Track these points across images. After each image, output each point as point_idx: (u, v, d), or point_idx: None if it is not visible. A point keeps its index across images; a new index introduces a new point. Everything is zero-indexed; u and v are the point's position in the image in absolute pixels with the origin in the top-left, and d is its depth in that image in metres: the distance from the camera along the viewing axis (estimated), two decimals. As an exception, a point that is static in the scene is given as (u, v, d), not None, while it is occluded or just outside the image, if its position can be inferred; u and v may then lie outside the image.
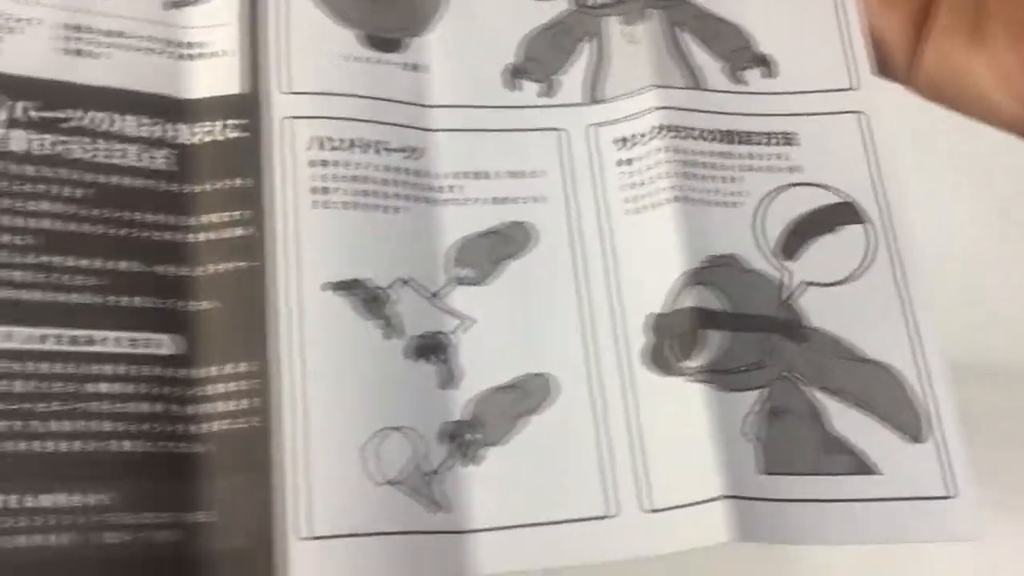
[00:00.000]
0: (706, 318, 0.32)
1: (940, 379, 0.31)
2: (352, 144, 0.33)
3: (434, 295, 0.33)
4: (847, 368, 0.32)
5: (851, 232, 0.33)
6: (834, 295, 0.32)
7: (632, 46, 0.36)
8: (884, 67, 0.36)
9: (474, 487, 0.31)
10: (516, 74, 0.36)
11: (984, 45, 0.33)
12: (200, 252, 0.32)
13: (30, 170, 0.31)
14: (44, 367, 0.29)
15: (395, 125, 0.34)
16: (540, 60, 0.36)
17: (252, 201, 0.32)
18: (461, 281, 0.33)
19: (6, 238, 0.30)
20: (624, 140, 0.35)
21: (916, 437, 0.31)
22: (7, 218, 0.30)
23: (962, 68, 0.34)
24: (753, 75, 0.36)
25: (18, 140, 0.32)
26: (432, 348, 0.32)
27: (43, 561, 0.27)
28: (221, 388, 0.31)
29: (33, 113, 0.32)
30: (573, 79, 0.36)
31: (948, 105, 0.35)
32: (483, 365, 0.32)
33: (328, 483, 0.29)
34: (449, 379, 0.32)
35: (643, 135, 0.34)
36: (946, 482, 0.30)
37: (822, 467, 0.30)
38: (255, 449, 0.30)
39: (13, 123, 0.32)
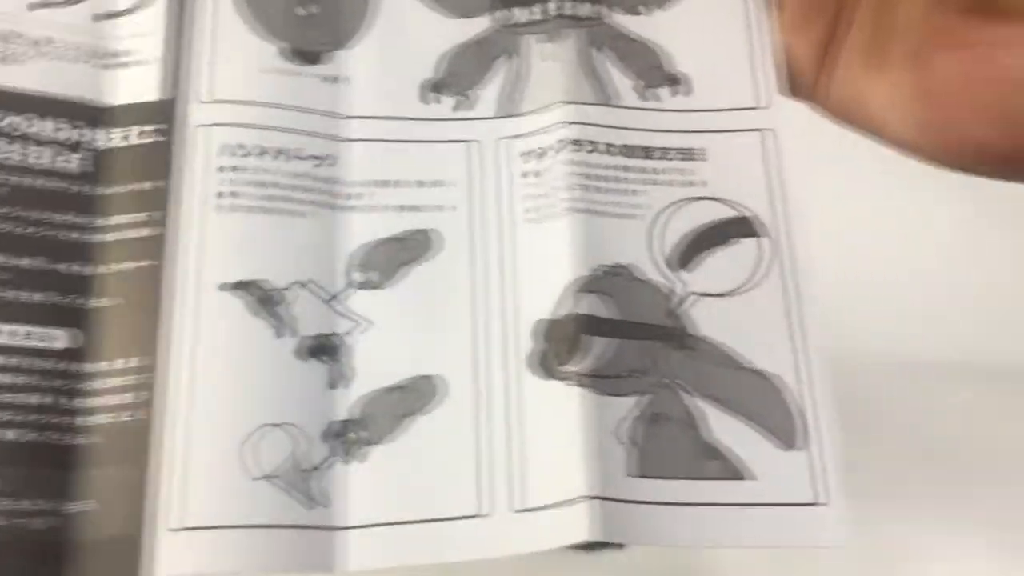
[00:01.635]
0: (591, 324, 0.32)
1: (820, 390, 0.31)
2: (263, 151, 0.34)
3: (333, 298, 0.33)
4: (729, 376, 0.32)
5: (747, 246, 0.33)
6: (724, 306, 0.33)
7: (548, 63, 0.37)
8: (794, 87, 0.36)
9: (354, 485, 0.31)
10: (434, 88, 0.37)
11: (884, 69, 0.33)
12: (106, 251, 0.33)
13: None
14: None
15: (306, 134, 0.35)
16: (459, 75, 0.37)
17: (161, 203, 0.33)
18: (362, 285, 0.34)
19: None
20: (532, 153, 0.35)
21: (791, 445, 0.31)
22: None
23: (864, 91, 0.34)
24: (665, 93, 0.36)
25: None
26: (323, 349, 0.33)
27: None
28: (111, 382, 0.31)
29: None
30: (489, 94, 0.37)
31: (853, 126, 0.35)
32: (376, 367, 0.33)
33: (203, 476, 0.30)
34: (339, 379, 0.32)
35: (550, 148, 0.35)
36: (817, 490, 0.30)
37: (695, 472, 0.30)
38: (137, 441, 0.30)
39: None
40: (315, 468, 0.31)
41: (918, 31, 0.32)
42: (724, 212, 0.34)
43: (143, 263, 0.33)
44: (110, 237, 0.33)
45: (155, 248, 0.33)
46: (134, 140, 0.35)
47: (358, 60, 0.37)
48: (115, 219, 0.34)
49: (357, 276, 0.34)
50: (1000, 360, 0.71)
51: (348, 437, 0.32)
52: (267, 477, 0.30)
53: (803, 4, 0.36)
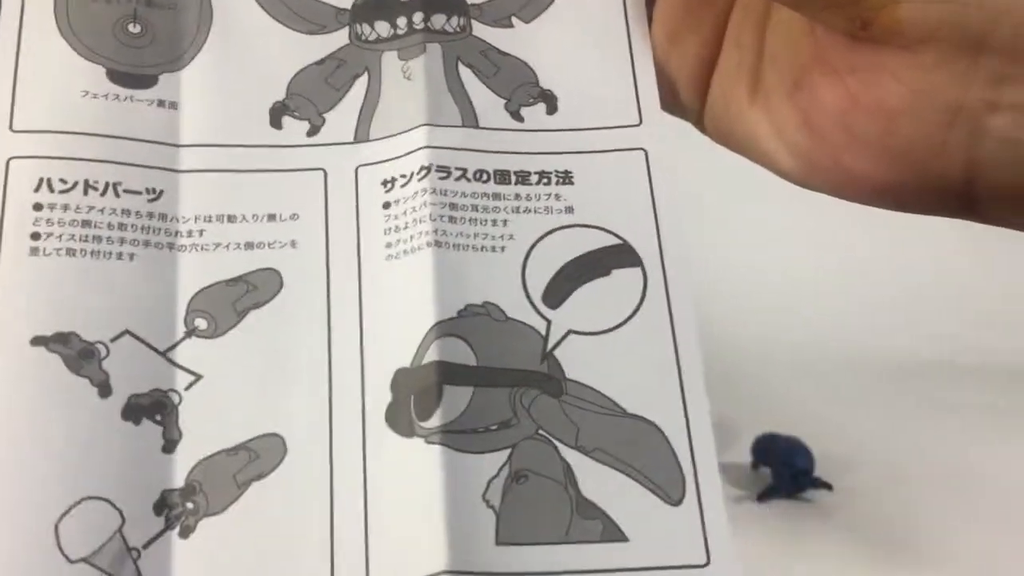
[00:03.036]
0: (449, 373, 0.29)
1: (703, 435, 0.28)
2: (84, 185, 0.31)
3: (169, 349, 0.30)
4: (606, 424, 0.29)
5: (624, 276, 0.31)
6: (600, 344, 0.30)
7: (407, 82, 0.34)
8: (676, 107, 0.34)
9: (184, 563, 0.27)
10: (280, 111, 0.33)
11: (761, 95, 0.32)
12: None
13: None
14: None
15: (136, 165, 0.31)
16: (308, 97, 0.34)
17: None
18: (199, 334, 0.30)
19: None
20: (390, 181, 0.32)
21: (676, 500, 0.28)
22: None
23: (743, 116, 0.32)
24: (535, 112, 0.34)
25: None
26: (155, 407, 0.29)
27: None
28: None
29: None
30: (345, 117, 0.34)
31: (734, 150, 0.33)
32: (213, 427, 0.29)
33: (9, 562, 0.26)
34: (174, 441, 0.29)
35: (408, 176, 0.32)
36: (699, 549, 0.27)
37: (571, 535, 0.27)
38: None
39: None
40: (146, 545, 0.27)
41: (798, 55, 0.30)
42: (595, 239, 0.31)
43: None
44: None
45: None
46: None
47: (194, 81, 0.33)
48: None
49: (196, 323, 0.30)
50: (871, 358, 0.72)
51: (184, 508, 0.28)
52: (88, 559, 0.27)
53: (675, 19, 0.34)
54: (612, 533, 0.28)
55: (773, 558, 0.58)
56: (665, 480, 0.28)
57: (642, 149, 0.32)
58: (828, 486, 0.66)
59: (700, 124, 0.34)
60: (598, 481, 0.28)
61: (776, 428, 0.67)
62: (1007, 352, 0.74)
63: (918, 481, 0.65)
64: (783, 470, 0.66)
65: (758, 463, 0.68)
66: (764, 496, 0.67)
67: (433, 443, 0.28)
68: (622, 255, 0.31)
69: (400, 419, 0.29)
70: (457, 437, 0.28)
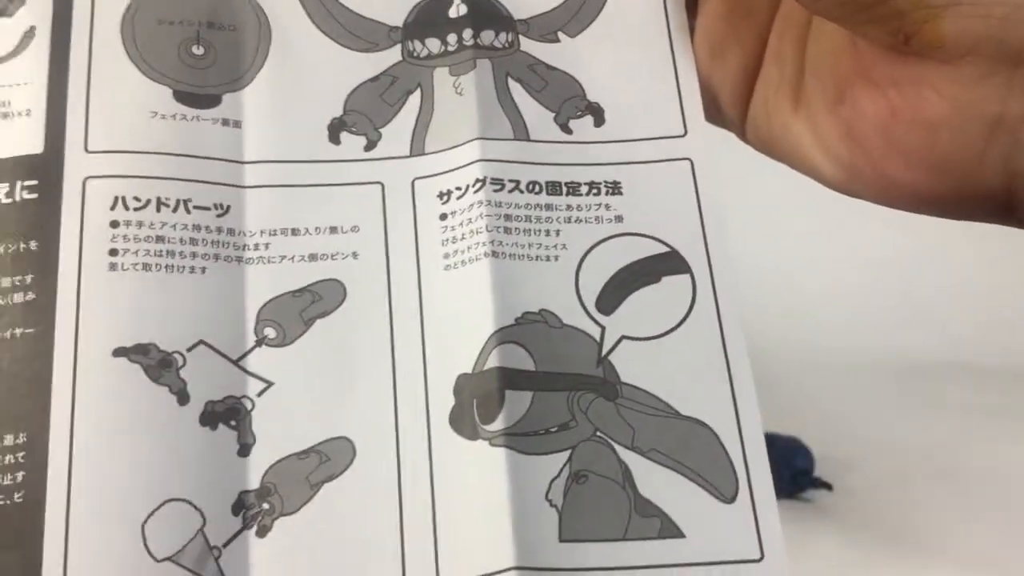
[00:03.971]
0: (510, 378, 0.30)
1: (755, 436, 0.30)
2: (157, 203, 0.32)
3: (241, 358, 0.31)
4: (661, 426, 0.30)
5: (674, 283, 0.32)
6: (653, 349, 0.31)
7: (459, 97, 0.35)
8: (718, 118, 0.35)
9: (267, 561, 0.29)
10: (338, 127, 0.35)
11: (803, 106, 0.33)
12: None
13: None
14: None
15: (203, 182, 0.33)
16: (364, 113, 0.35)
17: (40, 265, 0.31)
18: (268, 343, 0.32)
19: None
20: (446, 194, 0.33)
21: (729, 498, 0.29)
22: None
23: (785, 126, 0.33)
24: (583, 124, 0.35)
25: None
26: (230, 413, 0.31)
27: None
28: None
29: None
30: (401, 132, 0.35)
31: (777, 159, 0.34)
32: (281, 429, 0.31)
33: (103, 560, 0.27)
34: (249, 445, 0.30)
35: (464, 188, 0.33)
36: (753, 544, 0.29)
37: (630, 532, 0.29)
38: (16, 527, 0.28)
39: None
40: (225, 544, 0.29)
41: (840, 67, 0.31)
42: (645, 248, 0.33)
43: (19, 330, 0.30)
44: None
45: (32, 315, 0.31)
46: (17, 196, 0.32)
47: (256, 100, 0.35)
48: (-3, 283, 0.31)
49: (266, 332, 0.32)
50: (871, 359, 0.72)
51: (255, 510, 0.30)
52: (173, 558, 0.28)
53: (717, 32, 0.35)
54: (669, 530, 0.29)
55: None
56: (718, 479, 0.29)
57: (688, 159, 0.34)
58: (828, 486, 0.66)
59: (742, 134, 0.35)
60: (654, 480, 0.30)
61: (776, 428, 0.67)
62: (1007, 352, 0.74)
63: (918, 481, 0.65)
64: (783, 470, 0.66)
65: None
66: (764, 496, 0.67)
67: (497, 445, 0.29)
68: (671, 262, 0.32)
69: (463, 422, 0.30)
70: (519, 439, 0.29)
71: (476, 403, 0.30)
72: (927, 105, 0.29)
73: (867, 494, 0.65)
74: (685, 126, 0.34)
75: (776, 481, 0.64)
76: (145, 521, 0.28)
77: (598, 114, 0.35)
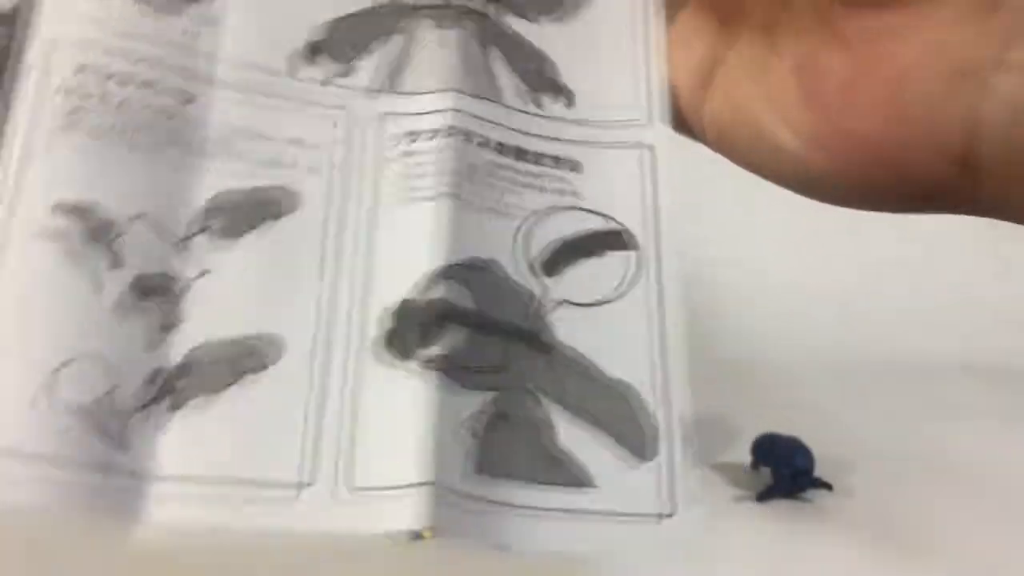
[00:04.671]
0: (451, 311, 0.31)
1: (677, 402, 0.31)
2: (124, 77, 0.32)
3: (180, 241, 0.31)
4: (585, 385, 0.31)
5: (615, 259, 0.33)
6: (588, 315, 0.32)
7: (442, 49, 0.36)
8: (679, 106, 0.36)
9: (174, 434, 0.28)
10: (317, 49, 0.35)
11: (765, 78, 0.32)
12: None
13: None
14: None
15: (175, 68, 0.33)
16: (345, 41, 0.36)
17: None
18: (213, 232, 0.31)
19: None
20: (415, 133, 0.34)
21: (646, 455, 0.30)
22: None
23: (744, 105, 0.33)
24: (554, 102, 0.36)
25: None
26: (159, 289, 0.30)
27: None
28: None
29: None
30: (378, 67, 0.35)
31: (734, 153, 0.34)
32: (215, 316, 0.30)
33: (8, 406, 0.26)
34: (173, 324, 0.30)
35: (434, 132, 0.34)
36: (663, 500, 0.29)
37: (542, 476, 0.29)
38: None
39: None
40: (136, 411, 0.28)
41: (806, 30, 0.31)
42: (596, 224, 0.34)
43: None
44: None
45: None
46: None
47: (242, 3, 0.35)
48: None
49: (212, 222, 0.31)
50: (871, 359, 0.72)
51: (173, 384, 0.29)
52: (80, 410, 0.27)
53: (690, 19, 0.36)
54: (582, 480, 0.30)
55: (773, 558, 0.58)
56: (635, 437, 0.30)
57: (651, 147, 0.35)
58: (828, 486, 0.66)
59: (701, 134, 0.35)
60: (573, 433, 0.30)
61: (776, 428, 0.66)
62: (1008, 353, 0.74)
63: (919, 481, 0.65)
64: (783, 470, 0.66)
65: (758, 463, 0.68)
66: (764, 496, 0.66)
67: (429, 368, 0.30)
68: (620, 239, 0.34)
69: (400, 343, 0.30)
70: (452, 370, 0.30)
71: (417, 327, 0.30)
72: (895, 57, 0.28)
73: (867, 494, 0.65)
74: (651, 115, 0.36)
75: (776, 481, 0.64)
76: (58, 368, 0.27)
77: (569, 96, 0.36)
